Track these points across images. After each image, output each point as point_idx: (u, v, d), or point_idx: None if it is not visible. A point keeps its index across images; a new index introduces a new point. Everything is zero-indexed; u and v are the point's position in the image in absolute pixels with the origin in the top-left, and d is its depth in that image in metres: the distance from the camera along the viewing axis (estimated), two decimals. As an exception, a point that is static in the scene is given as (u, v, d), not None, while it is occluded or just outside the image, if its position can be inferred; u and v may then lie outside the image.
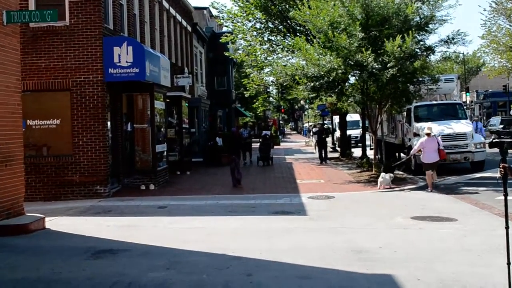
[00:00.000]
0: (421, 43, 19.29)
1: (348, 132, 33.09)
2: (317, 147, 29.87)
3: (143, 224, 11.90)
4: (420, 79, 19.42)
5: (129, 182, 18.18)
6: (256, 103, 35.70)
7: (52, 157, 16.10)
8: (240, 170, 18.53)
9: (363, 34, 17.72)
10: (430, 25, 19.18)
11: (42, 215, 11.82)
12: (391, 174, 16.85)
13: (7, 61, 11.54)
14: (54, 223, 12.07)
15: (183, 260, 8.46)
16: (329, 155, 29.45)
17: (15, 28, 11.97)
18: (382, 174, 16.77)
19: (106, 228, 11.46)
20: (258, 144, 28.73)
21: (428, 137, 16.45)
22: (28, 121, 15.75)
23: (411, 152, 17.82)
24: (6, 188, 11.24)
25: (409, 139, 21.37)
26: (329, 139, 33.03)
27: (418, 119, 21.50)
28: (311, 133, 43.57)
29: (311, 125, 65.96)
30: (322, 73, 17.95)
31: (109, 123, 16.92)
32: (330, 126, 38.68)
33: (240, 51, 35.79)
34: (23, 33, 15.42)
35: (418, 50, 18.90)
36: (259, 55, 28.83)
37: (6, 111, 11.40)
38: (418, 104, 21.90)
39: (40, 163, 16.05)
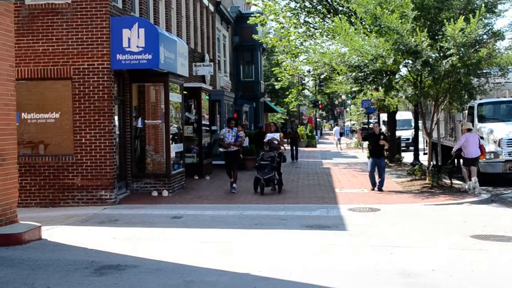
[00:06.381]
0: (488, 27, 19.06)
1: (398, 133, 32.85)
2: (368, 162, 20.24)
3: (154, 236, 12.03)
4: (486, 70, 19.21)
5: (139, 187, 18.38)
6: (289, 97, 35.64)
7: (50, 157, 16.34)
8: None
9: (416, 12, 17.60)
10: (499, 6, 18.95)
11: (38, 224, 12.03)
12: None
13: None
14: (51, 233, 12.27)
15: (200, 279, 8.55)
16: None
17: (8, 6, 12.09)
18: (474, 178, 17.80)
19: (112, 240, 11.63)
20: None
21: (469, 132, 18.59)
22: (22, 114, 15.99)
23: (455, 147, 18.99)
24: (-3, 192, 11.44)
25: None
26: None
27: (482, 119, 21.29)
28: (360, 139, 41.78)
29: (355, 125, 65.48)
30: (367, 61, 17.88)
31: (116, 118, 17.12)
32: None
33: (271, 35, 35.86)
34: (17, 11, 15.73)
35: (484, 36, 18.68)
36: (293, 40, 28.85)
37: (-2, 102, 11.60)
38: (483, 101, 21.73)
39: (36, 164, 16.32)
